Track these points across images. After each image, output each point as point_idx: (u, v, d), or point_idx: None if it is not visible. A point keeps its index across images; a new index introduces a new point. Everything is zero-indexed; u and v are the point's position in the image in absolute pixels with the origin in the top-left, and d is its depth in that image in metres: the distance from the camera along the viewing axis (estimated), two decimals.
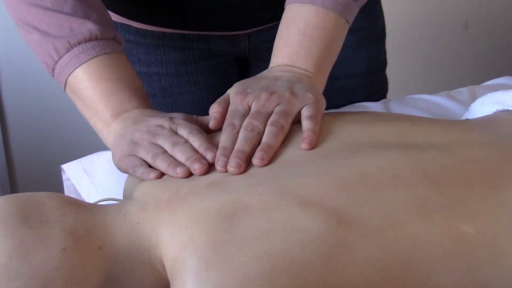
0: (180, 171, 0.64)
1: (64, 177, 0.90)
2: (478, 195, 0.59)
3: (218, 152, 0.64)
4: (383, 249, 0.53)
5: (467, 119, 0.82)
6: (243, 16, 0.99)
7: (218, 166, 0.63)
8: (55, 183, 1.06)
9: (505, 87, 1.06)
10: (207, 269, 0.52)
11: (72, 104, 0.81)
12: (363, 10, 0.83)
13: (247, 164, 0.63)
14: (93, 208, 0.61)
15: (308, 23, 0.76)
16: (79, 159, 0.90)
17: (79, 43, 0.75)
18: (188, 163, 0.64)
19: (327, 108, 0.74)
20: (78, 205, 0.60)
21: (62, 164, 0.90)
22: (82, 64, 0.75)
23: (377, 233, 0.54)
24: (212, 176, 0.62)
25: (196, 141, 0.67)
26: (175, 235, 0.56)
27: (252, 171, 0.62)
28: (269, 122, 0.67)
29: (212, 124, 0.70)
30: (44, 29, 0.76)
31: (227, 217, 0.55)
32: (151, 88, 1.02)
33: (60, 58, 0.76)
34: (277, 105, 0.69)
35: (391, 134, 0.68)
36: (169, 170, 0.64)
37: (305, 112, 0.69)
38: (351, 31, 0.81)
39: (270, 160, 0.64)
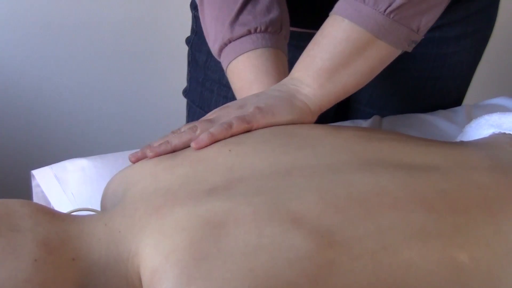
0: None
1: (33, 183, 0.89)
2: (476, 222, 0.60)
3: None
4: (374, 274, 0.54)
5: (463, 141, 0.83)
6: None
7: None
8: (23, 190, 1.06)
9: (501, 108, 1.08)
10: (188, 284, 0.52)
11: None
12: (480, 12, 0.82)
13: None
14: (69, 217, 0.61)
15: (321, 32, 0.77)
16: (51, 165, 0.89)
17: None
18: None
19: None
20: (52, 214, 0.60)
21: (32, 170, 0.90)
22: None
23: (370, 256, 0.54)
24: (216, 182, 0.62)
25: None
26: (158, 243, 0.56)
27: (256, 179, 0.62)
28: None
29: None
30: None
31: (215, 228, 0.55)
32: None
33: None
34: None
35: (398, 154, 0.68)
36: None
37: (224, 120, 0.72)
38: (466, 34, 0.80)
39: (281, 168, 0.64)
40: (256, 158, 0.66)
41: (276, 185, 0.61)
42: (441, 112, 1.09)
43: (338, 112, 1.18)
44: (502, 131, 0.78)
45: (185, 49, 1.19)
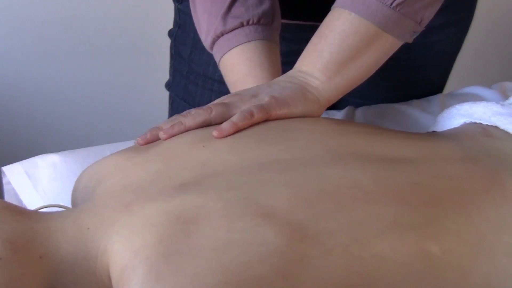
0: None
1: (4, 180, 0.88)
2: (448, 214, 0.60)
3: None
4: (346, 267, 0.53)
5: (437, 131, 0.83)
6: None
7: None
8: None
9: (474, 97, 1.09)
10: (156, 280, 0.51)
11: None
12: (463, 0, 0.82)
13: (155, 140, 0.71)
14: (37, 215, 0.60)
15: (327, 26, 0.77)
16: (21, 162, 0.88)
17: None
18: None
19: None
20: (19, 211, 0.59)
21: (3, 166, 0.89)
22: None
23: (342, 250, 0.54)
24: (188, 177, 0.61)
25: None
26: (127, 240, 0.55)
27: (229, 174, 0.62)
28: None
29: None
30: None
31: (186, 224, 0.54)
32: None
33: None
34: None
35: (372, 147, 0.68)
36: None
37: (242, 108, 0.72)
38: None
39: (252, 162, 0.64)
40: (229, 154, 0.65)
41: (248, 180, 0.60)
42: (415, 102, 1.09)
43: None
44: (474, 121, 0.78)
45: (167, 42, 1.18)
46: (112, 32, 1.87)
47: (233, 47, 0.86)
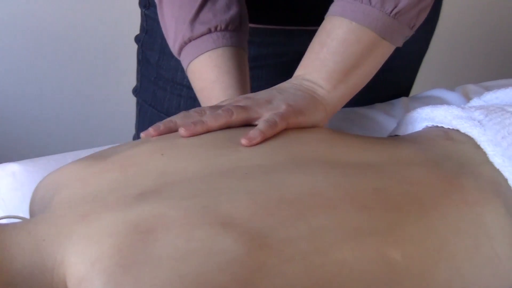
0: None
1: None
2: (408, 219, 0.59)
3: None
4: (306, 275, 0.52)
5: (399, 135, 0.83)
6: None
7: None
8: None
9: (437, 100, 1.09)
10: None
11: None
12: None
13: (168, 132, 0.70)
14: None
15: (329, 35, 0.77)
16: None
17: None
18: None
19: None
20: None
21: None
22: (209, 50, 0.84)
23: (302, 258, 0.53)
24: (147, 186, 0.60)
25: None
26: (84, 251, 0.53)
27: (188, 182, 0.61)
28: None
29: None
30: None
31: (144, 233, 0.53)
32: None
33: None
34: None
35: (334, 153, 0.68)
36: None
37: (265, 116, 0.71)
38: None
39: (209, 168, 0.63)
40: (190, 162, 0.64)
41: (208, 188, 0.59)
42: (379, 105, 1.09)
43: None
44: (435, 124, 0.78)
45: (133, 48, 1.17)
46: (77, 38, 1.84)
47: (201, 54, 0.85)
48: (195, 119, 0.70)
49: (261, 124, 0.69)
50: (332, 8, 0.79)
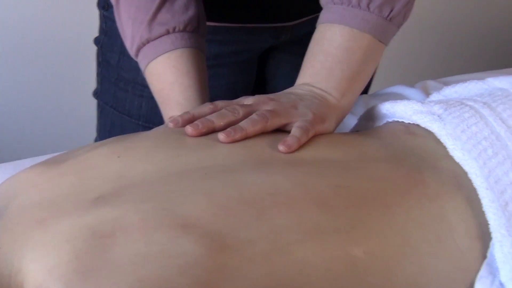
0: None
1: None
2: (371, 216, 0.59)
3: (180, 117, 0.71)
4: (269, 275, 0.51)
5: (360, 131, 0.83)
6: (292, 7, 1.03)
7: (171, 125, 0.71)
8: None
9: (398, 97, 1.09)
10: None
11: None
12: None
13: (208, 133, 0.67)
14: None
15: (332, 43, 0.77)
16: None
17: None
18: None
19: None
20: None
21: None
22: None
23: (264, 258, 0.52)
24: (104, 190, 0.59)
25: None
26: (41, 258, 0.52)
27: (147, 184, 0.59)
28: (255, 112, 0.69)
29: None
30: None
31: (102, 238, 0.52)
32: None
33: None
34: None
35: (296, 151, 0.67)
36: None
37: (297, 123, 0.69)
38: None
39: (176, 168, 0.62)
40: (147, 163, 0.62)
41: (167, 190, 0.58)
42: None
43: None
44: (396, 119, 0.77)
45: (92, 50, 1.15)
46: (35, 41, 1.81)
47: (159, 55, 0.84)
48: (230, 118, 0.69)
49: (296, 131, 0.68)
50: (329, 15, 0.79)
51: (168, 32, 0.84)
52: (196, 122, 0.68)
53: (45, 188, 0.61)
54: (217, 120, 0.69)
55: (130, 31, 0.86)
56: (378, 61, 0.81)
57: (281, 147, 0.66)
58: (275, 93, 0.77)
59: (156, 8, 0.84)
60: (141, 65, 0.87)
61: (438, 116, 0.72)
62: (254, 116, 0.69)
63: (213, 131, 0.68)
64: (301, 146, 0.68)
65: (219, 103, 0.73)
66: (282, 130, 0.71)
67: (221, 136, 0.66)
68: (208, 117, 0.69)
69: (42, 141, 1.88)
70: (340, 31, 0.77)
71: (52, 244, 0.52)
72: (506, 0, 2.51)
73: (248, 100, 0.74)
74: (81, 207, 0.56)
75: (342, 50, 0.77)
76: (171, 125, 0.71)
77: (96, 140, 1.18)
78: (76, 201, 0.57)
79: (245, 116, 0.70)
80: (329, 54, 0.77)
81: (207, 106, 0.73)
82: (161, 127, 0.79)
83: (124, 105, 1.10)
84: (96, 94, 1.17)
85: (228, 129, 0.67)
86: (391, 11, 0.78)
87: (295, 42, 1.12)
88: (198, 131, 0.67)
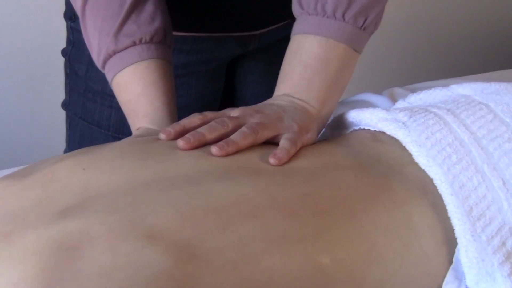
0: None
1: None
2: (338, 223, 0.59)
3: (171, 128, 0.70)
4: (237, 284, 0.51)
5: (327, 140, 0.83)
6: (259, 16, 1.04)
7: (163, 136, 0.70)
8: None
9: (365, 104, 1.10)
10: None
11: None
12: None
13: (199, 146, 0.66)
14: None
15: (310, 54, 0.78)
16: None
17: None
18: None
19: None
20: None
21: None
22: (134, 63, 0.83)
23: (231, 267, 0.52)
24: (70, 202, 0.58)
25: None
26: (7, 271, 0.51)
27: (113, 196, 0.59)
28: (245, 125, 0.69)
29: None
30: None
31: (69, 250, 0.51)
32: None
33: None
34: None
35: (263, 159, 0.67)
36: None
37: (285, 135, 0.70)
38: None
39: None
40: (113, 175, 0.62)
41: (133, 200, 0.58)
42: None
43: None
44: (362, 127, 0.78)
45: (59, 60, 1.14)
46: (1, 51, 1.78)
47: (126, 66, 0.84)
48: (221, 131, 0.69)
49: (285, 143, 0.68)
50: (304, 25, 0.80)
51: (134, 44, 0.84)
52: (187, 136, 0.67)
53: (11, 202, 0.60)
54: (208, 134, 0.68)
55: (96, 43, 0.85)
56: (353, 69, 0.82)
57: (271, 160, 0.66)
58: (258, 105, 0.77)
59: (122, 20, 0.83)
60: (108, 77, 0.87)
61: (403, 123, 0.73)
62: (244, 129, 0.69)
63: (204, 144, 0.68)
64: (265, 155, 0.67)
65: (208, 114, 0.73)
66: (270, 142, 0.72)
67: (213, 149, 0.65)
68: (200, 130, 0.69)
69: (11, 154, 1.86)
70: (318, 42, 0.78)
71: (18, 257, 0.52)
72: (473, 7, 2.54)
73: (234, 112, 0.74)
74: (47, 219, 0.55)
75: (320, 61, 0.78)
76: (163, 136, 0.70)
77: (65, 152, 1.17)
78: (42, 214, 0.57)
79: (235, 129, 0.69)
80: (307, 65, 0.78)
81: (197, 117, 0.72)
82: (129, 137, 0.79)
83: (93, 116, 1.10)
84: (64, 105, 1.16)
85: (221, 142, 0.66)
86: (365, 20, 0.79)
87: (263, 50, 1.13)
88: (190, 145, 0.67)
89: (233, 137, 0.67)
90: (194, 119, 0.72)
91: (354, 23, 0.78)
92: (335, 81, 0.79)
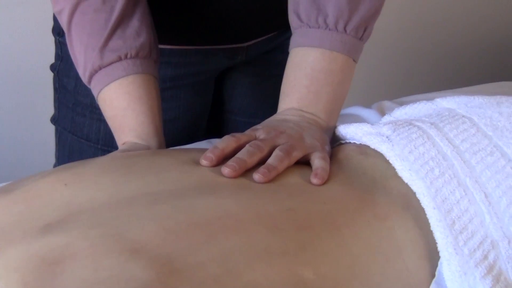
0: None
1: None
2: (320, 237, 0.59)
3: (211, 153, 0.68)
4: None
5: None
6: (246, 28, 1.04)
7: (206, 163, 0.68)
8: None
9: (353, 117, 1.10)
10: None
11: None
12: None
13: (242, 172, 0.66)
14: None
15: (314, 67, 0.79)
16: None
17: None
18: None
19: None
20: None
21: None
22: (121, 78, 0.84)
23: (214, 281, 0.52)
24: (53, 217, 0.58)
25: None
26: None
27: (95, 211, 0.59)
28: (277, 148, 0.70)
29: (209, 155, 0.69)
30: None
31: (51, 265, 0.51)
32: None
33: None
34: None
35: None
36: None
37: (317, 154, 0.71)
38: None
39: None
40: (96, 190, 0.62)
41: (116, 215, 0.58)
42: None
43: (210, 124, 1.21)
44: (348, 141, 0.79)
45: (48, 75, 1.14)
46: None
47: (112, 81, 0.84)
48: (259, 156, 0.69)
49: (321, 162, 0.70)
50: (306, 38, 0.81)
51: (120, 59, 0.84)
52: (233, 164, 0.67)
53: None
54: (249, 159, 0.68)
55: (83, 58, 0.86)
56: (351, 79, 0.84)
57: (314, 180, 0.67)
58: (274, 122, 0.78)
59: (107, 35, 0.84)
60: (94, 92, 0.87)
61: (387, 137, 0.73)
62: (279, 153, 0.70)
63: (246, 170, 0.68)
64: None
65: (239, 136, 0.73)
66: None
67: (256, 176, 0.66)
68: (241, 156, 0.68)
69: (1, 168, 1.86)
70: (321, 55, 0.80)
71: (0, 273, 0.52)
72: (465, 21, 2.56)
73: (259, 133, 0.74)
74: (29, 235, 0.55)
75: (325, 73, 0.79)
76: (205, 163, 0.68)
77: (55, 166, 1.17)
78: (25, 229, 0.57)
79: (270, 152, 0.70)
80: (313, 78, 0.79)
81: (232, 140, 0.72)
82: (114, 152, 0.79)
83: (82, 129, 1.10)
84: (54, 120, 1.16)
85: (263, 169, 0.66)
86: (365, 31, 0.81)
87: (250, 62, 1.13)
88: (236, 173, 0.66)
89: (271, 162, 0.68)
90: (229, 142, 0.72)
91: (355, 35, 0.80)
92: (340, 92, 0.81)
